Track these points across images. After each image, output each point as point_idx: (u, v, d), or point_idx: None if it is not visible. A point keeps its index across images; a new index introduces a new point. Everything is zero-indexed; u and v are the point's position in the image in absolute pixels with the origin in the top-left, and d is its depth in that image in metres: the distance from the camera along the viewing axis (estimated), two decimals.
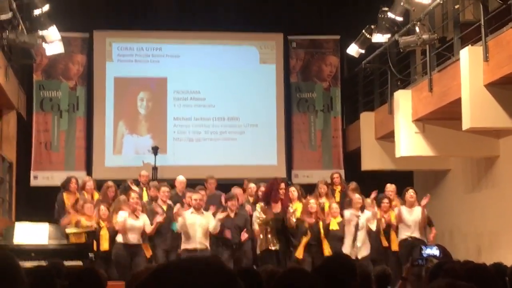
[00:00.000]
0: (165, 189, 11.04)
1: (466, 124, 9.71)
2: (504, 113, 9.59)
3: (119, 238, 10.28)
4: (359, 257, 10.40)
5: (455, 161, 13.58)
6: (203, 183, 11.75)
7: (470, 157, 12.77)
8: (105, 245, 10.33)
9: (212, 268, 1.75)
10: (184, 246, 10.24)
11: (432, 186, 14.12)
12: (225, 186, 11.90)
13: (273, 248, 9.91)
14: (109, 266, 10.24)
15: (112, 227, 10.39)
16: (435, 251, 6.09)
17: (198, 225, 10.18)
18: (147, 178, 12.21)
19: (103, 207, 10.57)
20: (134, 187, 11.38)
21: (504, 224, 11.59)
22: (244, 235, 10.41)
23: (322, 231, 10.61)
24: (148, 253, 10.54)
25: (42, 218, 11.09)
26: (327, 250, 10.43)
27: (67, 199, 11.24)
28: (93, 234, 10.34)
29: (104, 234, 10.37)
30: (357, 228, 10.60)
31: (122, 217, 10.28)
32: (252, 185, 11.67)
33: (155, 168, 13.92)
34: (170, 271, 1.75)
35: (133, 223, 10.30)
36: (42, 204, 13.51)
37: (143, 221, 10.40)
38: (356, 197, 10.92)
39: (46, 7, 10.81)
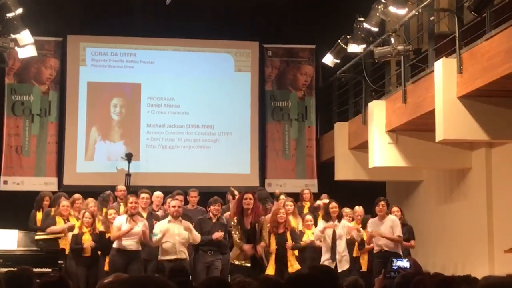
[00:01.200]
0: (144, 195, 10.81)
1: (439, 136, 9.74)
2: (477, 125, 9.62)
3: (115, 244, 9.93)
4: (339, 270, 10.03)
5: (427, 172, 13.63)
6: (183, 193, 11.35)
7: (443, 169, 12.82)
8: (87, 251, 10.16)
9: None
10: (163, 257, 9.85)
11: (404, 197, 14.16)
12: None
13: (247, 265, 9.52)
14: (91, 273, 10.13)
15: (95, 233, 10.22)
16: (405, 263, 6.06)
17: (177, 235, 9.79)
18: (124, 193, 11.81)
19: (87, 214, 10.38)
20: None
21: (475, 236, 11.64)
22: (216, 234, 10.01)
23: (289, 241, 10.27)
24: None
25: (11, 223, 10.95)
26: (292, 264, 10.17)
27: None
28: (75, 239, 10.18)
29: (87, 240, 10.18)
30: (334, 239, 10.32)
31: (119, 222, 9.97)
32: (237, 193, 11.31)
33: (128, 175, 13.82)
34: None
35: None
36: (11, 209, 13.35)
37: (141, 227, 9.97)
38: (333, 204, 10.63)
39: (19, 11, 10.66)
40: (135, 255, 9.96)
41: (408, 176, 13.71)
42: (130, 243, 9.92)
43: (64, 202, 10.68)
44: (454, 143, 11.14)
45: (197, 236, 9.97)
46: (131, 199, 10.17)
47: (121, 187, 12.12)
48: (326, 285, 3.93)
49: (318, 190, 14.84)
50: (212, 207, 10.35)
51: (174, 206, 9.98)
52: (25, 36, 11.10)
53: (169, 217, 9.99)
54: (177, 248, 9.78)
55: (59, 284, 4.60)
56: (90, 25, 15.13)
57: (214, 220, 10.26)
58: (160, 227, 9.92)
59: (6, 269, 8.96)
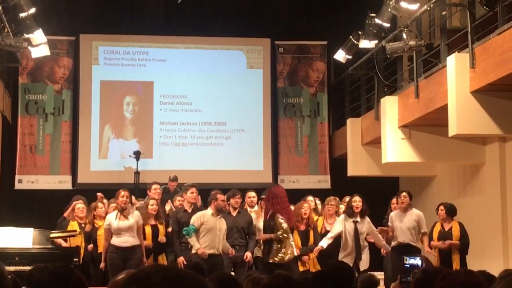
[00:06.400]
0: (156, 186, 10.67)
1: (452, 130, 9.72)
2: (490, 120, 9.60)
3: (113, 241, 9.69)
4: (361, 269, 9.63)
5: (441, 167, 13.61)
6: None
7: (456, 164, 12.80)
8: (101, 247, 10.04)
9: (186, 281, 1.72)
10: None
11: (418, 193, 14.14)
12: (210, 191, 11.64)
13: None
14: (104, 269, 9.99)
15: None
16: (418, 261, 6.04)
17: (218, 229, 9.35)
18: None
19: (100, 204, 10.34)
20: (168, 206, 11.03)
21: (489, 231, 11.61)
22: (248, 256, 9.72)
23: (311, 240, 9.89)
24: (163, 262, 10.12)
25: (26, 221, 11.01)
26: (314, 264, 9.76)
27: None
28: (89, 236, 10.17)
29: (101, 235, 10.06)
30: (357, 235, 9.85)
31: (108, 221, 9.73)
32: (252, 194, 10.82)
33: (137, 173, 13.85)
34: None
35: (120, 224, 9.65)
36: (26, 208, 13.46)
37: (134, 220, 9.69)
38: (356, 199, 10.07)
39: (32, 10, 10.73)
40: (132, 251, 9.66)
41: (421, 171, 13.69)
42: (124, 239, 9.65)
43: (79, 205, 10.57)
44: (468, 138, 11.11)
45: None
46: (123, 193, 9.79)
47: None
48: (340, 282, 3.94)
49: (331, 186, 14.89)
50: (232, 200, 10.03)
51: (223, 201, 9.58)
52: (38, 36, 11.17)
53: (212, 210, 9.50)
54: (216, 243, 9.36)
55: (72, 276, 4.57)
56: (103, 24, 15.18)
57: (235, 214, 9.96)
58: (196, 220, 9.40)
59: (21, 267, 9.08)
